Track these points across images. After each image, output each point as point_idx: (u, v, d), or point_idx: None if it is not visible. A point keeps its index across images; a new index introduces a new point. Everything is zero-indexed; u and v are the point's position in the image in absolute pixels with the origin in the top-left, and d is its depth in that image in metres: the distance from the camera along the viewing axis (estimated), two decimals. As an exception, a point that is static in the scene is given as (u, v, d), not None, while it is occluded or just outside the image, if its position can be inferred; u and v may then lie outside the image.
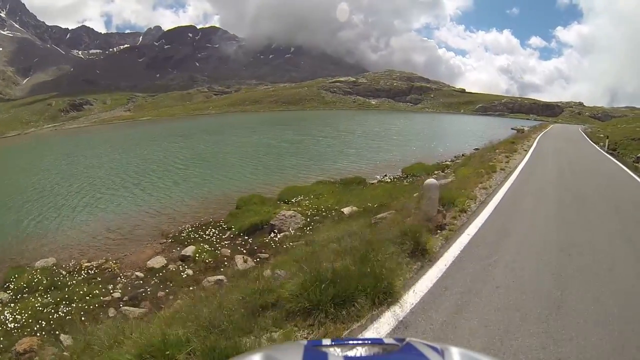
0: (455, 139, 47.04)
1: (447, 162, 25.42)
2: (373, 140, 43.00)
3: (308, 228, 12.62)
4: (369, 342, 1.06)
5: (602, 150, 24.31)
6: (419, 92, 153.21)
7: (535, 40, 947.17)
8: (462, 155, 29.11)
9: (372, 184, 19.78)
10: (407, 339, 1.04)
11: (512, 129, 67.78)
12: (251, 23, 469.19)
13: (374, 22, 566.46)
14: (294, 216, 13.97)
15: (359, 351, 0.99)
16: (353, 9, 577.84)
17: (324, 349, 0.99)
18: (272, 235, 12.94)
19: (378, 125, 65.33)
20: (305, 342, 1.04)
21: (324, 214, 14.06)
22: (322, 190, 18.09)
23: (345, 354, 0.97)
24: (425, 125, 71.18)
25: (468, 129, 67.50)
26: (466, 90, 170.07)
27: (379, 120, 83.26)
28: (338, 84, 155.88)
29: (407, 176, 20.98)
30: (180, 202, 19.90)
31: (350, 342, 1.04)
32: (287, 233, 12.75)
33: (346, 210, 13.52)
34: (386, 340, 1.08)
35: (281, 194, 18.13)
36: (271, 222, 13.79)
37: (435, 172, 20.42)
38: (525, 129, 65.12)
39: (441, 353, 0.92)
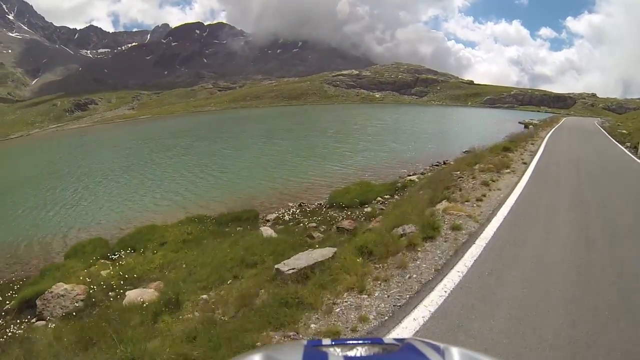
0: (447, 137, 39.69)
1: (413, 177, 17.81)
2: (339, 143, 35.49)
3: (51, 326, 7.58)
4: (369, 342, 1.03)
5: (636, 158, 16.64)
6: (425, 84, 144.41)
7: (545, 31, 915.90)
8: (444, 162, 21.67)
9: (265, 221, 12.75)
10: (407, 339, 1.03)
11: (519, 122, 60.35)
12: (258, 18, 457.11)
13: (380, 14, 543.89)
14: (63, 296, 9.05)
15: (359, 351, 0.97)
16: (358, 1, 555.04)
17: (324, 349, 0.97)
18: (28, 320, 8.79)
19: (363, 121, 57.87)
20: (305, 342, 1.03)
21: (110, 294, 8.77)
22: (177, 235, 12.01)
23: (345, 354, 0.95)
24: (419, 121, 63.11)
25: (469, 123, 59.91)
26: (475, 82, 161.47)
27: (371, 114, 75.83)
28: (341, 77, 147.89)
29: (331, 207, 13.79)
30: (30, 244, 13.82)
31: (350, 342, 1.02)
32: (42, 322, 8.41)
33: (133, 294, 7.90)
34: (386, 340, 1.05)
35: (122, 240, 12.50)
36: (37, 301, 9.24)
37: (379, 198, 13.30)
38: (535, 122, 57.76)
39: (441, 353, 0.90)
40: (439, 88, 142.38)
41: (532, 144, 20.40)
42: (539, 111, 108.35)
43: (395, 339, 1.05)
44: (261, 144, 38.06)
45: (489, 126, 54.10)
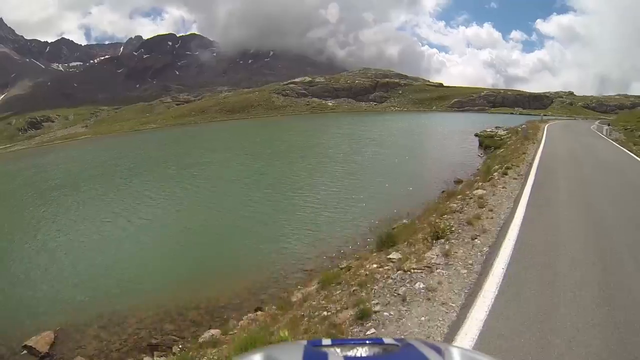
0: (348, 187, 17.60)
1: None
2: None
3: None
4: (369, 342, 0.98)
5: None
6: (385, 89, 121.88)
7: (516, 34, 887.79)
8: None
9: None
10: (407, 340, 0.98)
11: (475, 135, 38.19)
12: (226, 28, 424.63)
13: (348, 19, 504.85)
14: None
15: (359, 351, 0.93)
16: (328, 7, 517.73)
17: (324, 349, 0.93)
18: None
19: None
20: (305, 342, 0.98)
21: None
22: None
23: (345, 354, 0.91)
24: (333, 142, 40.54)
25: (399, 143, 37.34)
26: (448, 85, 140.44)
27: (294, 130, 54.00)
28: (292, 85, 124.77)
29: None
30: None
31: (350, 342, 0.98)
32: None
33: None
34: (386, 341, 0.99)
35: None
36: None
37: None
38: (501, 133, 36.03)
39: (441, 353, 0.86)
40: (400, 92, 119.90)
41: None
42: (512, 113, 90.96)
43: (395, 339, 0.99)
44: None
45: (417, 151, 31.69)
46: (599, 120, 46.97)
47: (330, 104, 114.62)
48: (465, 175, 19.97)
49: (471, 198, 9.47)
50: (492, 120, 56.74)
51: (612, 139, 25.56)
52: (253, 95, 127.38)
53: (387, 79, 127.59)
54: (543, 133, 30.40)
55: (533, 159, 15.67)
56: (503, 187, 10.25)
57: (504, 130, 37.94)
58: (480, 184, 11.54)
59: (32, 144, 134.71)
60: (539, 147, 20.36)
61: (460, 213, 8.11)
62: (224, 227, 15.08)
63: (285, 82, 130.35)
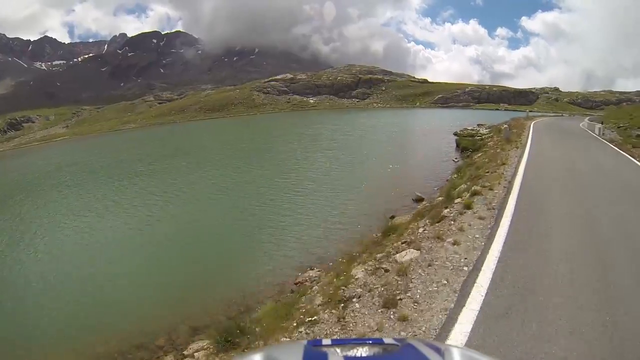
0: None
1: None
2: None
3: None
4: (369, 342, 0.96)
5: None
6: (368, 85, 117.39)
7: (501, 31, 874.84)
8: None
9: None
10: (407, 339, 0.97)
11: (454, 134, 34.31)
12: (211, 25, 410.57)
13: (335, 15, 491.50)
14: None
15: (359, 351, 0.91)
16: (319, 5, 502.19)
17: (324, 349, 0.91)
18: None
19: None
20: (305, 342, 0.96)
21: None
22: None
23: (345, 354, 0.89)
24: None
25: (358, 148, 32.78)
26: (432, 81, 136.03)
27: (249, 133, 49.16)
28: (273, 82, 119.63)
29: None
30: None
31: (351, 342, 0.97)
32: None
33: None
34: (386, 341, 0.98)
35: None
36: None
37: None
38: (483, 132, 32.53)
39: (441, 353, 0.85)
40: (384, 88, 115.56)
41: None
42: (497, 109, 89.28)
43: (395, 339, 0.98)
44: None
45: (383, 155, 27.25)
46: (588, 117, 43.12)
47: (312, 101, 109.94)
48: (430, 189, 15.74)
49: (388, 271, 5.10)
50: (476, 116, 52.99)
51: (606, 140, 21.60)
52: (234, 93, 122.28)
53: (370, 75, 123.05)
54: (528, 133, 26.29)
55: (514, 175, 11.42)
56: (454, 244, 5.89)
57: (486, 129, 34.39)
58: (420, 229, 7.15)
59: (10, 146, 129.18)
60: (523, 154, 16.09)
61: (339, 321, 3.73)
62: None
63: (266, 80, 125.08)
